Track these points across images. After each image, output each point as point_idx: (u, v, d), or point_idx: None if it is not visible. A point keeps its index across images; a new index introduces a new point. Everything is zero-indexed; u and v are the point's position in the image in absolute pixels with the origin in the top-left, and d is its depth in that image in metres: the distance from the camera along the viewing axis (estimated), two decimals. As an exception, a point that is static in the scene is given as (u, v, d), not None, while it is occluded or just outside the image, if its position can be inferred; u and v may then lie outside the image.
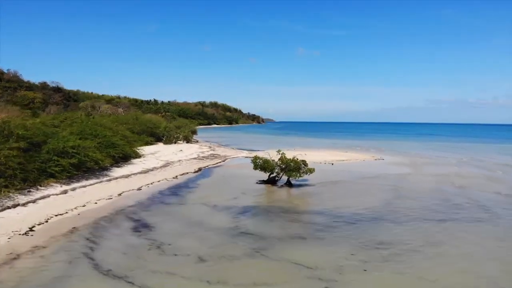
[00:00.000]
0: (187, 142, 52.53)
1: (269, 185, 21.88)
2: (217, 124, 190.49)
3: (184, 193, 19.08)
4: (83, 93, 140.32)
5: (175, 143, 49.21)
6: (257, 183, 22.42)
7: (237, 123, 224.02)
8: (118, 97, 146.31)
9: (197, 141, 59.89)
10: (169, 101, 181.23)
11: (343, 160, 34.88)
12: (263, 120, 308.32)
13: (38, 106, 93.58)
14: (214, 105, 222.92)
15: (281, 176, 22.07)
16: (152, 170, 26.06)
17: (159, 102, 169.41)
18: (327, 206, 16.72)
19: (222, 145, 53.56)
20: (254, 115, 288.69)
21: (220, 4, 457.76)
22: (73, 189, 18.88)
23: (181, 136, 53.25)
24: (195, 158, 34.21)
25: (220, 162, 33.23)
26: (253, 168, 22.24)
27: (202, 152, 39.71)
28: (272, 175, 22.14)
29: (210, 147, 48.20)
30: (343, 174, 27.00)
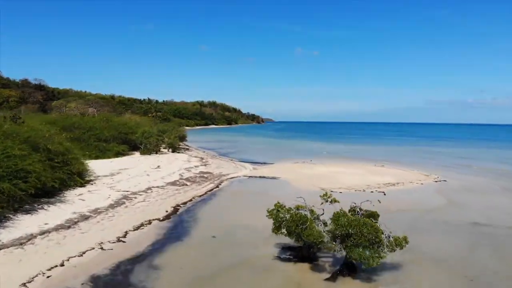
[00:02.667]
0: (173, 151, 41.27)
1: (304, 264, 10.75)
2: (216, 125, 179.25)
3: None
4: (75, 91, 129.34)
5: (156, 152, 37.96)
6: (277, 256, 11.30)
7: (236, 123, 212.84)
8: (112, 96, 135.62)
9: (188, 148, 48.72)
10: (164, 101, 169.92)
11: (394, 184, 23.73)
12: (262, 120, 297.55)
13: (12, 105, 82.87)
14: (213, 104, 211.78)
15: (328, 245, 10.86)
16: (89, 216, 14.83)
17: (152, 101, 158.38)
18: None
19: (218, 155, 42.30)
20: (253, 115, 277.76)
21: (219, 4, 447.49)
22: None
23: (165, 144, 42.09)
24: (174, 183, 22.98)
25: (212, 189, 22.05)
26: (272, 231, 11.04)
27: (189, 169, 28.46)
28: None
29: (202, 158, 36.95)
30: (418, 215, 15.90)
